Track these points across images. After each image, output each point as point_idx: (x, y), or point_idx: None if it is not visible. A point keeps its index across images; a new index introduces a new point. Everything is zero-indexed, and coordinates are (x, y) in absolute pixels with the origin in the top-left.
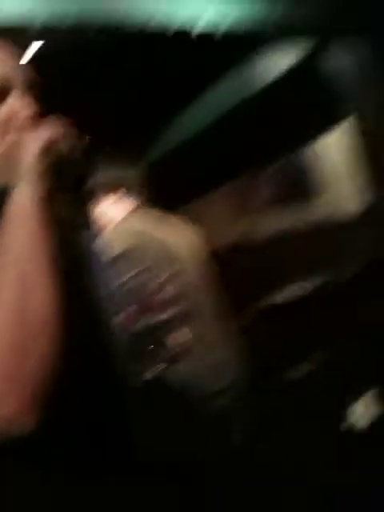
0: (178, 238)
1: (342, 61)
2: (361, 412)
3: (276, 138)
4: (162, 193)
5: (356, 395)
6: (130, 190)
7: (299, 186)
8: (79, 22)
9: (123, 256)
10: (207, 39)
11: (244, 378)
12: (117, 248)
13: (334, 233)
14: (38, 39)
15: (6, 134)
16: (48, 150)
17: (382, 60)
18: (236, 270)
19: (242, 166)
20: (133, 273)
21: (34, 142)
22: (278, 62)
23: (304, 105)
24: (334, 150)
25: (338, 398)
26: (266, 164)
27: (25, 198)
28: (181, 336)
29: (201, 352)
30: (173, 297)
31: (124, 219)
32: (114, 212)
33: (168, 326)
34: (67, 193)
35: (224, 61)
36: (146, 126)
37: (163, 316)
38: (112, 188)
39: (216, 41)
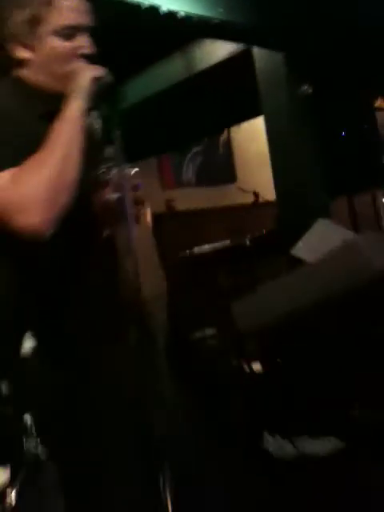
0: None
1: (264, 63)
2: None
3: (202, 120)
4: None
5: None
6: None
7: (217, 169)
8: None
9: None
10: (170, 18)
11: None
12: None
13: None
14: None
15: (73, 59)
16: (97, 79)
17: (295, 68)
18: (162, 233)
19: (174, 141)
20: None
21: (90, 71)
22: (216, 52)
23: (229, 95)
24: (250, 142)
25: None
26: (192, 143)
27: (76, 106)
28: None
29: None
30: None
31: None
32: None
33: None
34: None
35: (175, 41)
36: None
37: None
38: None
39: (176, 21)
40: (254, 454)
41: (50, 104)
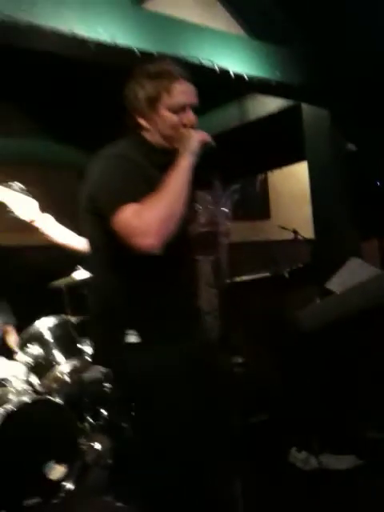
0: None
1: (311, 118)
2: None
3: (248, 162)
4: None
5: None
6: None
7: (253, 206)
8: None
9: None
10: (237, 80)
11: None
12: None
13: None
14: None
15: (180, 127)
16: (203, 143)
17: (337, 125)
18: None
19: (216, 177)
20: None
21: (199, 136)
22: (267, 105)
23: (275, 142)
24: (285, 182)
25: None
26: (235, 181)
27: (186, 162)
28: None
29: None
30: None
31: None
32: None
33: None
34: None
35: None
36: None
37: None
38: None
39: (241, 82)
40: (280, 466)
41: (163, 158)
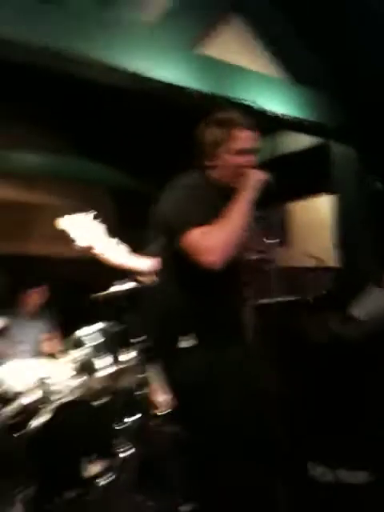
0: None
1: (339, 155)
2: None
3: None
4: None
5: None
6: None
7: (274, 233)
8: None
9: None
10: (273, 118)
11: None
12: None
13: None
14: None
15: (242, 169)
16: (262, 182)
17: (365, 162)
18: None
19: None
20: None
21: (258, 176)
22: (298, 141)
23: (303, 176)
24: (306, 212)
25: None
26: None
27: (247, 196)
28: None
29: None
30: None
31: None
32: None
33: None
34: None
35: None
36: None
37: None
38: None
39: (277, 120)
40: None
41: (226, 192)
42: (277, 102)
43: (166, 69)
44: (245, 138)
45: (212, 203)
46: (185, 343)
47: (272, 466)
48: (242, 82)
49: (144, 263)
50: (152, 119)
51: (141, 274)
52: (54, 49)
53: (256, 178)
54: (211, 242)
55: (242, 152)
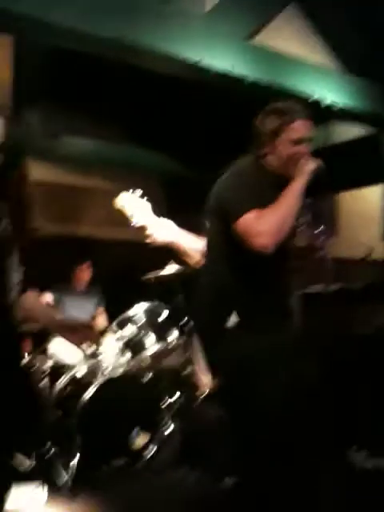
0: None
1: None
2: None
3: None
4: None
5: None
6: None
7: (323, 222)
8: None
9: None
10: (328, 109)
11: None
12: None
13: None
14: None
15: (297, 157)
16: (315, 170)
17: None
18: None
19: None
20: None
21: (312, 164)
22: (351, 131)
23: (354, 166)
24: (355, 202)
25: None
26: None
27: (300, 184)
28: None
29: None
30: None
31: None
32: None
33: None
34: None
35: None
36: None
37: None
38: None
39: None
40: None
41: (279, 179)
42: (331, 91)
43: (221, 59)
44: (302, 127)
45: (265, 190)
46: (231, 324)
47: (313, 450)
48: (297, 72)
49: (194, 242)
50: (204, 108)
51: (189, 254)
52: (113, 40)
53: (308, 167)
54: (263, 226)
55: (298, 141)
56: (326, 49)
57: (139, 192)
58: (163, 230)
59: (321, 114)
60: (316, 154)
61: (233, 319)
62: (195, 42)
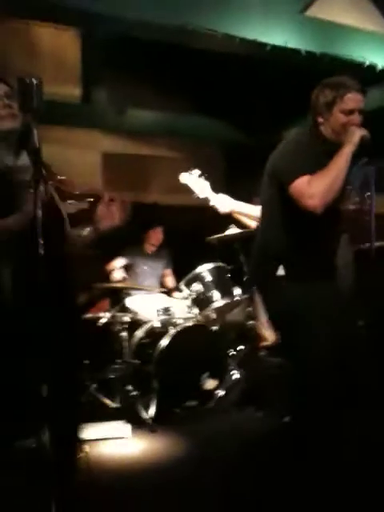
0: None
1: None
2: None
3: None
4: None
5: None
6: None
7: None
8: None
9: None
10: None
11: None
12: None
13: None
14: None
15: (349, 125)
16: (362, 137)
17: None
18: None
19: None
20: None
21: (359, 132)
22: None
23: None
24: None
25: None
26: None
27: (349, 150)
28: None
29: None
30: None
31: None
32: None
33: None
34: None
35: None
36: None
37: None
38: None
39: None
40: None
41: (331, 147)
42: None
43: (276, 34)
44: (354, 99)
45: (318, 156)
46: (281, 272)
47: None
48: (349, 39)
49: (249, 210)
50: (264, 78)
51: (244, 221)
52: (177, 27)
53: (356, 135)
54: (314, 189)
55: (350, 112)
56: (379, 15)
57: (198, 172)
58: (221, 204)
59: (376, 77)
60: (373, 113)
61: (280, 271)
62: (252, 22)
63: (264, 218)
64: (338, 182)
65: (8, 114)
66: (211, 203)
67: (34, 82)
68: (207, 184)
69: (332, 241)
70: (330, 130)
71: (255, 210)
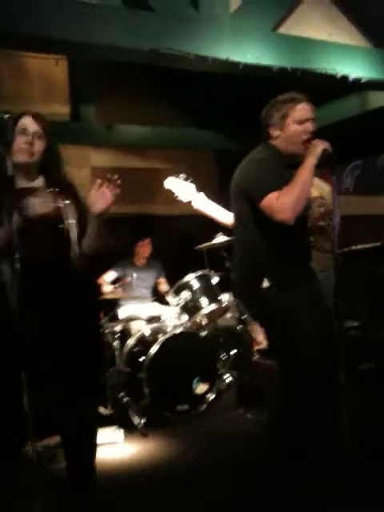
0: None
1: None
2: None
3: (368, 143)
4: None
5: None
6: None
7: (373, 181)
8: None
9: None
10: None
11: None
12: None
13: None
14: None
15: (304, 136)
16: (324, 150)
17: None
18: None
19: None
20: None
21: (321, 145)
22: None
23: None
24: None
25: None
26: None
27: (311, 162)
28: None
29: None
30: None
31: None
32: None
33: None
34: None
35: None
36: None
37: None
38: None
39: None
40: None
41: (289, 160)
42: (358, 67)
43: (247, 52)
44: (305, 109)
45: (280, 171)
46: (266, 283)
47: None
48: (321, 53)
49: (223, 216)
50: (249, 91)
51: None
52: (152, 49)
53: (318, 147)
54: (284, 203)
55: (303, 121)
56: (352, 28)
57: (184, 176)
58: (200, 205)
59: (349, 87)
60: (354, 120)
61: (265, 283)
62: (223, 41)
63: (241, 231)
64: (304, 193)
65: None
66: (194, 206)
67: (6, 117)
68: (192, 186)
69: (306, 245)
70: (284, 143)
71: (227, 218)
